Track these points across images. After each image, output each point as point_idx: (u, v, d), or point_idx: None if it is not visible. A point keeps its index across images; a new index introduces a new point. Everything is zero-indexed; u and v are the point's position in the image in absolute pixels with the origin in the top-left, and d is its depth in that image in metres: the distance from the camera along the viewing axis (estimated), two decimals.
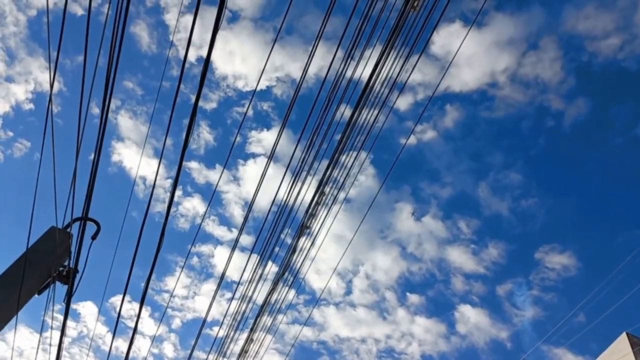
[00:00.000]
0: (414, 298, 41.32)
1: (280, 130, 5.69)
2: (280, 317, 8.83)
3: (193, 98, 4.16)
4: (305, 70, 5.15)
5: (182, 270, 9.04)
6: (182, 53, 3.90)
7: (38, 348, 8.32)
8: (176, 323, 41.73)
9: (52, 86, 3.95)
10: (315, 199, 6.71)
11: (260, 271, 7.77)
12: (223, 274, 7.47)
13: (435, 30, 5.19)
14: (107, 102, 3.93)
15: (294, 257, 7.59)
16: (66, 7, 3.61)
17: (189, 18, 3.63)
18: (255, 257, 7.54)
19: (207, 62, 3.70)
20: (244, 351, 9.27)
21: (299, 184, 6.49)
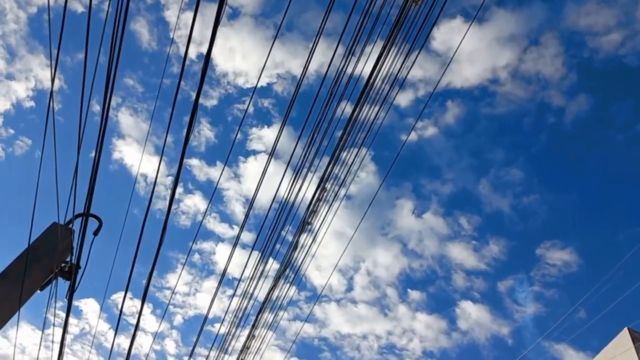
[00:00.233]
0: (415, 294, 41.36)
1: (281, 127, 5.70)
2: (281, 313, 8.85)
3: (194, 95, 4.17)
4: (305, 67, 5.16)
5: (183, 267, 9.07)
6: (182, 50, 3.90)
7: (40, 345, 8.36)
8: (178, 320, 41.83)
9: (53, 81, 3.96)
10: (317, 195, 6.72)
11: (261, 268, 7.79)
12: (224, 271, 7.49)
13: (437, 26, 5.19)
14: (107, 100, 3.94)
15: (295, 254, 7.60)
16: (66, 5, 3.61)
17: (189, 15, 3.64)
18: (256, 254, 7.56)
19: (207, 58, 3.71)
20: (245, 347, 9.30)
21: (300, 181, 6.50)
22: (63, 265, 6.60)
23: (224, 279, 7.80)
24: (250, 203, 6.54)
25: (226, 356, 9.57)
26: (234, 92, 39.93)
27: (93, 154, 4.68)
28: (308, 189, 6.64)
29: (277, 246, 7.38)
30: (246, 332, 9.17)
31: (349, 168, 6.53)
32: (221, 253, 40.82)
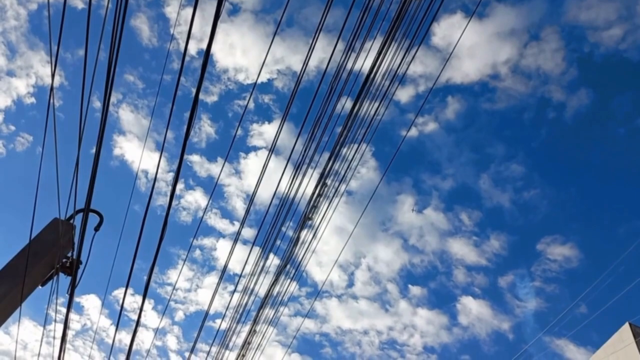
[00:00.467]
0: (415, 290, 41.44)
1: (281, 123, 5.70)
2: (282, 309, 8.88)
3: (194, 91, 4.17)
4: (305, 63, 5.16)
5: (184, 263, 9.09)
6: (183, 46, 3.91)
7: (42, 341, 8.39)
8: (179, 316, 41.96)
9: (53, 77, 3.97)
10: (317, 190, 6.74)
11: (262, 264, 7.81)
12: (225, 267, 7.51)
13: (437, 21, 5.19)
14: (107, 95, 3.95)
15: (296, 250, 7.62)
16: (66, 1, 3.62)
17: (189, 11, 3.64)
18: (257, 250, 7.57)
19: (207, 54, 3.72)
20: (246, 343, 9.33)
21: (300, 177, 6.51)
22: (64, 260, 6.62)
23: (225, 275, 7.82)
24: (250, 199, 6.56)
25: (227, 352, 9.61)
26: (234, 88, 39.94)
27: (94, 150, 4.69)
28: (308, 185, 6.66)
29: (278, 242, 7.41)
30: (247, 328, 9.21)
31: (349, 164, 6.54)
32: (222, 249, 40.92)
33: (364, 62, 5.57)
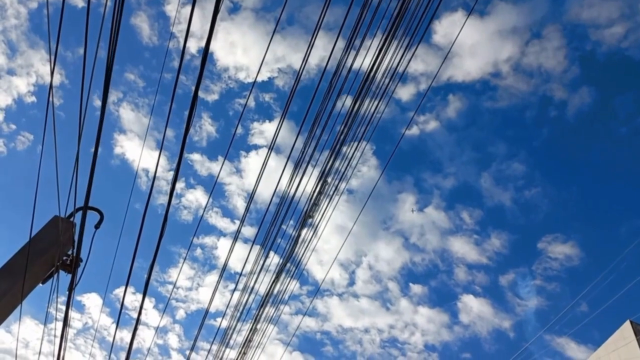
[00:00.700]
0: (416, 288, 41.46)
1: (280, 122, 5.70)
2: (283, 307, 8.88)
3: (194, 89, 4.17)
4: (304, 61, 5.15)
5: (184, 262, 9.10)
6: (183, 44, 3.90)
7: (42, 339, 8.41)
8: (180, 314, 42.04)
9: (52, 74, 3.97)
10: (318, 188, 6.73)
11: (262, 262, 7.82)
12: (225, 265, 7.52)
13: (437, 19, 5.18)
14: (105, 92, 3.95)
15: (297, 248, 7.62)
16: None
17: (189, 9, 3.64)
18: (258, 248, 7.58)
19: (205, 52, 3.72)
20: (247, 340, 9.35)
21: (301, 175, 6.51)
22: (65, 258, 6.63)
23: (225, 274, 7.83)
24: (250, 197, 6.56)
25: (228, 350, 9.62)
26: (235, 86, 39.97)
27: (94, 149, 4.69)
28: (309, 183, 6.66)
29: (279, 240, 7.41)
30: (247, 326, 9.22)
31: (350, 162, 6.54)
32: (223, 248, 40.98)
33: (363, 60, 5.57)
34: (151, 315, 35.78)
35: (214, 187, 6.74)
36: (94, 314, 40.11)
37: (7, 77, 36.87)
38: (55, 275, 6.57)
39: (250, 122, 41.19)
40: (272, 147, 5.97)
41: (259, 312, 8.86)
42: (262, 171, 6.12)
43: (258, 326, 9.18)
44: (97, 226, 6.84)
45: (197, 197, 42.76)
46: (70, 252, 6.71)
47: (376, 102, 5.92)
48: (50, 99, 4.23)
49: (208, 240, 43.34)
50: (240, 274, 8.07)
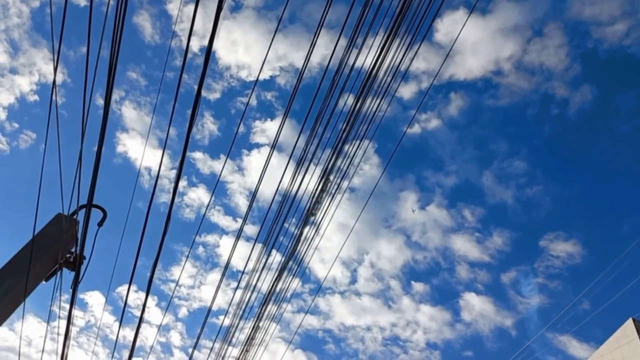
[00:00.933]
0: (418, 286, 41.46)
1: (282, 120, 5.71)
2: (285, 305, 8.90)
3: (197, 88, 4.18)
4: (307, 60, 5.16)
5: (186, 260, 9.12)
6: (185, 43, 3.92)
7: (45, 337, 8.43)
8: (183, 312, 42.10)
9: (55, 70, 3.98)
10: (320, 185, 6.74)
11: (265, 260, 7.83)
12: (227, 263, 7.54)
13: (439, 18, 5.19)
14: (109, 90, 3.97)
15: (299, 246, 7.64)
16: None
17: (191, 8, 3.65)
18: (260, 247, 7.59)
19: (208, 51, 3.73)
20: (250, 339, 9.36)
21: (303, 174, 6.52)
22: (68, 256, 6.65)
23: (227, 272, 7.85)
24: (252, 195, 6.57)
25: (231, 348, 9.65)
26: (237, 85, 39.98)
27: (96, 147, 4.71)
28: (311, 181, 6.67)
29: (281, 238, 7.42)
30: (250, 324, 9.24)
31: (352, 160, 6.55)
32: (225, 246, 41.04)
33: (365, 59, 5.58)
34: (154, 314, 35.86)
35: (216, 186, 6.76)
36: (97, 312, 40.21)
37: (10, 76, 36.94)
38: (59, 273, 6.59)
39: (252, 120, 41.22)
40: (275, 146, 5.98)
41: (261, 310, 8.89)
42: (265, 169, 6.13)
43: (260, 324, 9.20)
44: (100, 224, 6.86)
45: (199, 195, 42.82)
46: (73, 250, 6.74)
47: (378, 101, 5.93)
48: (54, 97, 4.24)
49: (210, 238, 43.41)
50: (243, 272, 8.09)
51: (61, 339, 6.66)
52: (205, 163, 42.29)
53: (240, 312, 8.92)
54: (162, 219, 5.48)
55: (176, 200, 5.10)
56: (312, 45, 5.05)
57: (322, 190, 6.81)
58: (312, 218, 7.21)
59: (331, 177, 6.67)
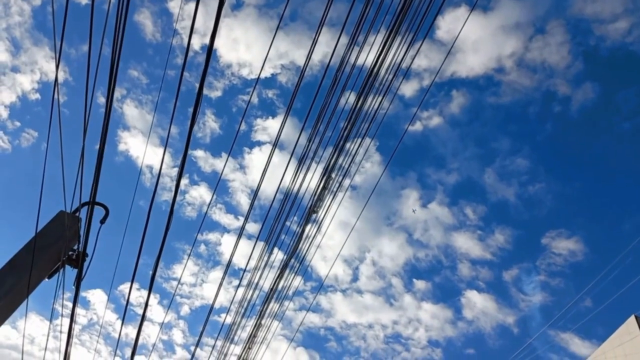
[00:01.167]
0: (420, 284, 41.45)
1: (284, 118, 5.71)
2: (287, 303, 8.91)
3: (198, 86, 4.19)
4: (308, 57, 5.16)
5: (188, 258, 9.13)
6: (186, 41, 3.92)
7: (48, 335, 8.46)
8: (185, 310, 42.16)
9: (57, 67, 3.99)
10: (322, 183, 6.74)
11: (267, 258, 7.84)
12: (229, 261, 7.54)
13: (441, 15, 5.18)
14: (112, 87, 3.98)
15: (301, 244, 7.64)
16: None
17: (192, 5, 3.65)
18: (262, 245, 7.60)
19: (210, 48, 3.73)
20: (252, 336, 9.38)
21: (305, 171, 6.52)
22: (70, 253, 6.67)
23: (229, 270, 7.86)
24: (254, 193, 6.58)
25: (233, 346, 9.66)
26: (238, 83, 39.96)
27: (98, 146, 4.72)
28: (312, 179, 6.67)
29: (283, 236, 7.43)
30: (252, 322, 9.25)
31: (353, 158, 6.55)
32: (227, 244, 41.06)
33: (367, 56, 5.57)
34: (156, 311, 35.91)
35: (217, 184, 6.76)
36: (99, 310, 40.28)
37: (11, 75, 36.97)
38: (61, 270, 6.60)
39: (254, 118, 41.20)
40: (276, 144, 5.98)
41: (263, 308, 8.90)
42: (266, 167, 6.14)
43: (262, 322, 9.21)
44: (102, 221, 6.87)
45: (201, 193, 42.83)
46: (75, 247, 6.75)
47: (380, 99, 5.92)
48: (55, 95, 4.25)
49: (212, 236, 43.44)
50: (244, 270, 8.10)
51: (64, 336, 6.67)
52: (207, 161, 42.30)
53: (242, 310, 8.94)
54: (163, 218, 5.49)
55: (178, 198, 5.11)
56: (314, 43, 5.06)
57: (324, 188, 6.81)
58: (313, 216, 7.22)
59: (333, 175, 6.68)
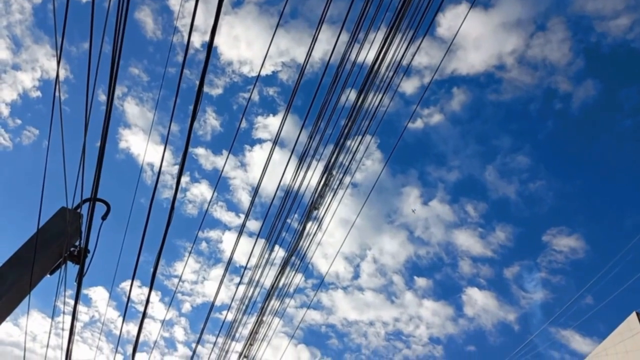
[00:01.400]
0: (421, 281, 41.48)
1: (284, 115, 5.72)
2: (288, 300, 8.93)
3: (198, 84, 4.20)
4: (308, 55, 5.17)
5: (189, 255, 9.16)
6: (186, 38, 3.93)
7: (50, 331, 8.49)
8: (186, 307, 42.24)
9: (58, 64, 4.00)
10: (323, 180, 6.76)
11: (267, 255, 7.86)
12: (230, 259, 7.56)
13: (442, 12, 5.18)
14: (112, 85, 3.99)
15: (301, 241, 7.66)
16: None
17: (192, 3, 3.66)
18: (263, 242, 7.62)
19: (210, 46, 3.74)
20: (253, 333, 9.40)
21: (305, 169, 6.53)
22: (72, 249, 6.69)
23: (230, 267, 7.88)
24: (255, 191, 6.59)
25: (234, 343, 9.69)
26: (239, 80, 39.95)
27: (99, 143, 4.73)
28: (313, 177, 6.68)
29: (284, 234, 7.45)
30: (253, 319, 9.28)
31: (354, 155, 6.56)
32: (228, 241, 41.09)
33: (367, 54, 5.58)
34: (157, 309, 35.99)
35: (218, 181, 6.77)
36: (101, 308, 40.38)
37: (12, 72, 37.02)
38: (63, 266, 6.63)
39: (255, 116, 41.21)
40: (277, 141, 6.00)
41: (265, 305, 8.92)
42: (267, 165, 6.15)
43: (263, 319, 9.23)
44: (103, 217, 6.89)
45: (201, 191, 42.89)
46: (77, 244, 6.77)
47: (380, 96, 5.93)
48: (57, 93, 4.27)
49: (213, 234, 43.50)
50: (246, 268, 8.12)
51: (66, 333, 6.70)
52: (208, 159, 42.34)
53: (244, 307, 8.97)
54: (164, 215, 5.51)
55: (178, 196, 5.13)
56: (314, 40, 5.06)
57: (325, 186, 6.83)
58: (314, 213, 7.23)
59: (333, 172, 6.69)
